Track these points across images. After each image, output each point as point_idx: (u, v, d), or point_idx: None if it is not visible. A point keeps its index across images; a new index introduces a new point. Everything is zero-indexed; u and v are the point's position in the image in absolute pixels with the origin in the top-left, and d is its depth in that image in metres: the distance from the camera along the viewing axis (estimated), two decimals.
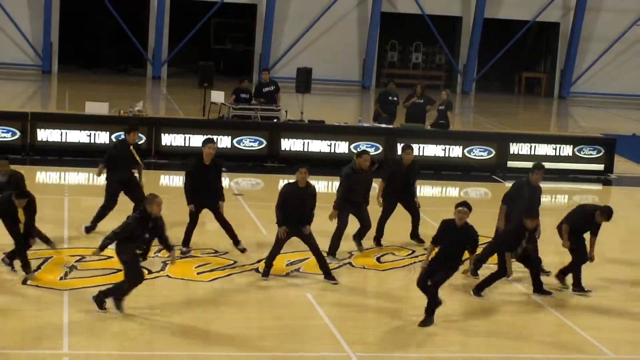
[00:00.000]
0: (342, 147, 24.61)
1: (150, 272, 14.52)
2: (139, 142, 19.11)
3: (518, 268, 14.99)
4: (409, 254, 16.77)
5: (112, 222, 15.05)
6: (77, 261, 15.14)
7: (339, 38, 42.30)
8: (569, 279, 15.38)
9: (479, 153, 25.27)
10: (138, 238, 12.97)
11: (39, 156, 23.08)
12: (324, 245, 15.52)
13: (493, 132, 29.19)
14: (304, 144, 24.57)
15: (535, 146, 25.49)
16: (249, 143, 24.35)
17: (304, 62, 35.70)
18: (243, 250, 16.03)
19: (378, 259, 16.44)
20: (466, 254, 13.83)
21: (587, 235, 15.25)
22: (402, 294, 14.73)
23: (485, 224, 15.99)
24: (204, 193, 15.81)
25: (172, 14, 41.29)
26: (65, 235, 16.47)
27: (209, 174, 15.84)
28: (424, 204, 17.69)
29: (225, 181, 16.34)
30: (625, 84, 44.12)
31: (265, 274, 14.95)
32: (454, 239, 13.54)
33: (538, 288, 14.93)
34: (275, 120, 25.66)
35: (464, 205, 13.57)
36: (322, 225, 15.78)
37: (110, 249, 13.29)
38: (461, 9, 43.42)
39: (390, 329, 13.28)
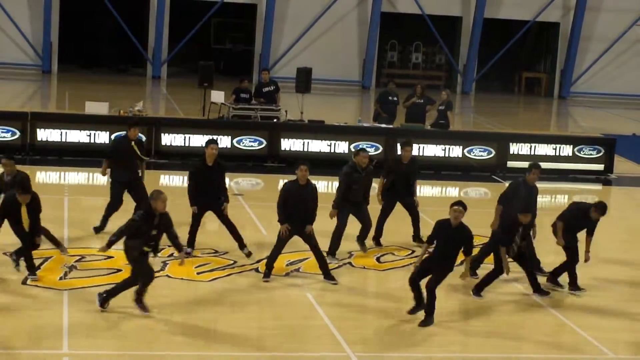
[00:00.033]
0: (342, 147, 24.61)
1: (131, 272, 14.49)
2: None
3: (516, 268, 14.98)
4: (409, 254, 16.77)
5: (120, 221, 15.02)
6: (76, 261, 15.14)
7: (339, 38, 42.30)
8: (563, 278, 15.34)
9: (479, 153, 25.28)
10: (144, 235, 12.93)
11: (39, 156, 23.08)
12: (323, 245, 15.51)
13: (493, 132, 29.20)
14: (304, 144, 24.57)
15: (535, 146, 25.50)
16: (249, 143, 24.35)
17: (303, 62, 35.71)
18: (248, 255, 15.92)
19: (378, 259, 16.44)
20: (462, 256, 13.75)
21: (583, 237, 15.19)
22: (402, 294, 14.69)
23: (485, 224, 15.98)
24: (207, 194, 15.76)
25: (172, 14, 41.29)
26: (65, 235, 16.46)
27: (212, 175, 15.80)
28: (424, 204, 17.69)
29: (226, 181, 16.29)
30: (625, 84, 44.13)
31: (267, 275, 14.91)
32: (449, 239, 13.49)
33: (536, 288, 14.91)
34: (275, 120, 25.67)
35: (460, 205, 13.53)
36: (322, 225, 15.77)
37: (114, 249, 13.30)
38: (461, 9, 43.42)
39: (390, 329, 13.28)
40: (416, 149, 23.88)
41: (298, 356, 12.22)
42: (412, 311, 13.63)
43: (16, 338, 12.07)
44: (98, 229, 16.71)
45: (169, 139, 23.95)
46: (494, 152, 25.34)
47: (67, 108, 30.39)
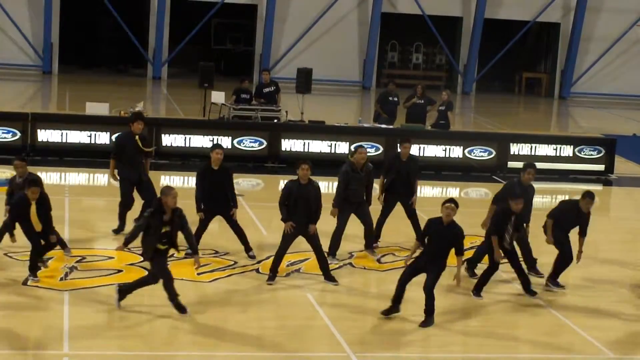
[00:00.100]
0: (342, 147, 24.60)
1: (149, 271, 14.50)
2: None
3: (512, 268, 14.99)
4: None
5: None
6: (77, 261, 15.15)
7: (339, 38, 42.30)
8: (562, 278, 15.34)
9: (480, 153, 25.28)
10: (156, 230, 12.87)
11: (40, 157, 23.07)
12: (324, 245, 15.50)
13: (493, 133, 29.19)
14: (304, 145, 24.58)
15: (535, 146, 25.50)
16: (250, 143, 24.37)
17: (304, 62, 35.73)
18: (253, 257, 15.92)
19: (378, 260, 16.44)
20: (453, 259, 13.58)
21: (577, 239, 15.17)
22: None
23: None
24: (215, 199, 15.72)
25: (173, 14, 41.30)
26: (66, 236, 16.44)
27: (218, 179, 15.76)
28: (424, 204, 17.69)
29: (234, 186, 16.19)
30: (626, 84, 44.13)
31: (271, 278, 14.81)
32: (440, 236, 13.42)
33: (525, 287, 14.82)
34: (275, 120, 25.67)
35: (452, 202, 13.50)
36: (322, 225, 15.74)
37: (113, 250, 13.31)
38: (461, 10, 43.43)
39: (390, 329, 13.29)
40: (417, 150, 23.92)
41: (298, 356, 12.23)
42: (387, 312, 13.51)
43: (17, 339, 12.08)
44: (117, 230, 16.73)
45: (169, 140, 23.96)
46: (494, 153, 25.34)
47: (68, 109, 30.39)
